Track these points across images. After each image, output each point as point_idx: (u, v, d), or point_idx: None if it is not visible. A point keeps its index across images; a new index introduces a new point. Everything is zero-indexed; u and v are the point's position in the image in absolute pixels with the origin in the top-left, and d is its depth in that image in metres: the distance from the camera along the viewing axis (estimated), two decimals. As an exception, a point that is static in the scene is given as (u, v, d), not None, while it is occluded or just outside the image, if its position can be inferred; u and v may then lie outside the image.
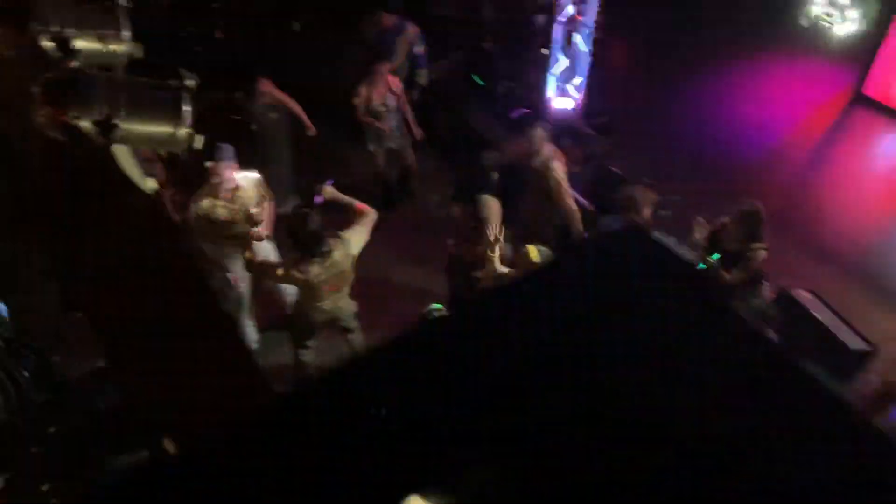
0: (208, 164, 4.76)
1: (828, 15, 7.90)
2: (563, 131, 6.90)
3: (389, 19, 6.74)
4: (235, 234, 4.88)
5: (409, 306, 4.31)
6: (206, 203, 4.85)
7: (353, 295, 4.98)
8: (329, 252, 4.34)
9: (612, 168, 6.47)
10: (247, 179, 4.97)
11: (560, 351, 0.69)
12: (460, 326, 0.73)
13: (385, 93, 6.32)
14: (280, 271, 4.49)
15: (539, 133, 5.57)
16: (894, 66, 7.27)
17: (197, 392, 1.20)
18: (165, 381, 1.22)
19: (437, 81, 7.51)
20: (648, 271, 0.78)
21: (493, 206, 4.98)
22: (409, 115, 6.61)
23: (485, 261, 5.35)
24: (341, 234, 4.45)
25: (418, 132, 6.65)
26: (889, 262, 5.98)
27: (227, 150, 4.84)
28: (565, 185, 5.60)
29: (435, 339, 0.73)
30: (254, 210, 4.82)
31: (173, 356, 1.25)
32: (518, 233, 5.63)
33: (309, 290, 4.61)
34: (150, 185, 1.87)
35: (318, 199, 4.61)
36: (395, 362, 0.72)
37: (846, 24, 7.35)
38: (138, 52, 2.00)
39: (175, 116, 1.75)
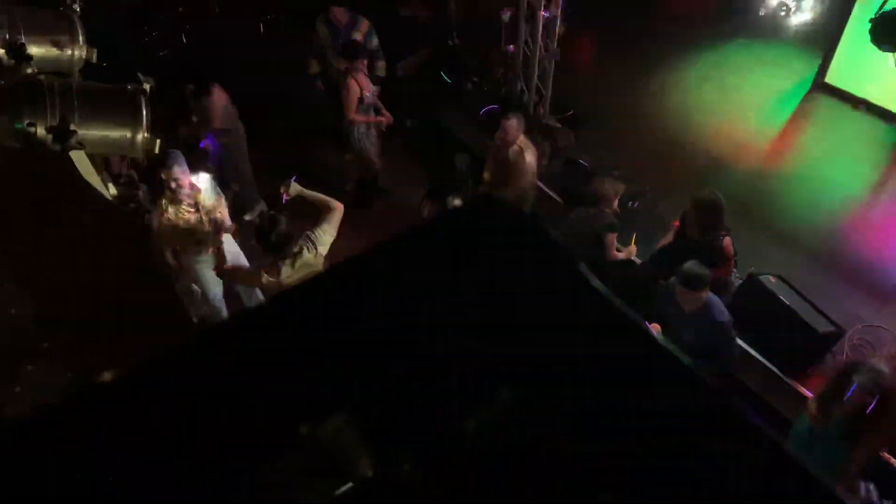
0: (163, 171, 4.73)
1: (784, 5, 8.04)
2: (530, 126, 6.96)
3: (343, 15, 6.71)
4: (202, 239, 4.86)
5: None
6: (170, 210, 4.81)
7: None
8: (299, 252, 4.33)
9: (580, 161, 6.54)
10: (201, 181, 4.95)
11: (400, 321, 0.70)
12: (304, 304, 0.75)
13: (368, 84, 6.33)
14: (250, 276, 4.46)
15: (514, 123, 5.62)
16: (855, 53, 7.41)
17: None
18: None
19: (405, 80, 7.53)
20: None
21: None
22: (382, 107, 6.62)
23: None
24: (309, 233, 4.44)
25: (388, 116, 6.62)
26: (852, 245, 6.10)
27: (177, 154, 4.81)
28: (528, 174, 5.66)
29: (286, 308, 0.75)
30: (217, 213, 4.82)
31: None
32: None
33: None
34: (111, 190, 1.86)
35: (284, 198, 4.58)
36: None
37: (803, 14, 7.49)
38: (94, 56, 1.98)
39: (133, 121, 1.74)
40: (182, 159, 4.83)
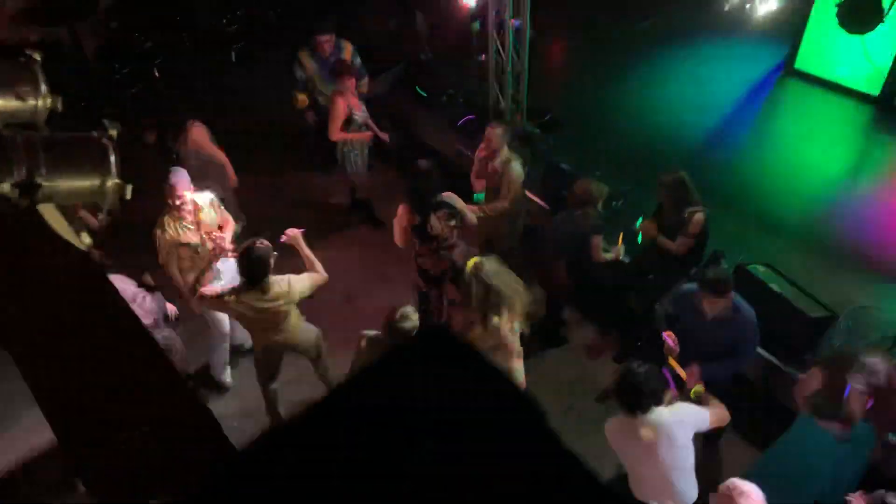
0: (166, 187, 4.76)
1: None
2: (508, 132, 6.96)
3: (328, 45, 6.72)
4: (204, 257, 4.85)
5: (375, 322, 4.28)
6: (172, 228, 4.78)
7: (317, 319, 4.96)
8: (270, 285, 4.30)
9: (562, 165, 6.54)
10: (202, 199, 4.93)
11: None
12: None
13: (361, 105, 6.34)
14: (221, 299, 4.44)
15: (500, 131, 5.62)
16: (821, 38, 7.49)
17: (139, 452, 1.17)
18: (109, 442, 1.19)
19: (380, 96, 7.52)
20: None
21: (455, 197, 5.01)
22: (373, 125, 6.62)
23: (459, 268, 5.35)
24: (289, 276, 4.43)
25: (384, 136, 6.62)
26: (836, 228, 6.13)
27: (181, 171, 4.86)
28: (518, 183, 5.66)
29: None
30: (217, 234, 4.82)
31: (116, 419, 1.21)
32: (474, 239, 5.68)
33: (247, 322, 4.59)
34: (85, 240, 1.82)
35: (283, 239, 4.57)
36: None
37: (768, 3, 7.56)
38: (59, 104, 1.95)
39: (101, 168, 1.71)
40: (185, 175, 4.83)
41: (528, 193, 6.47)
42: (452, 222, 4.98)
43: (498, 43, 7.00)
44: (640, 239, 5.19)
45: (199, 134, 5.98)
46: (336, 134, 6.30)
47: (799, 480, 4.01)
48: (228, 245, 4.88)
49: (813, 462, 3.88)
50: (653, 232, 5.10)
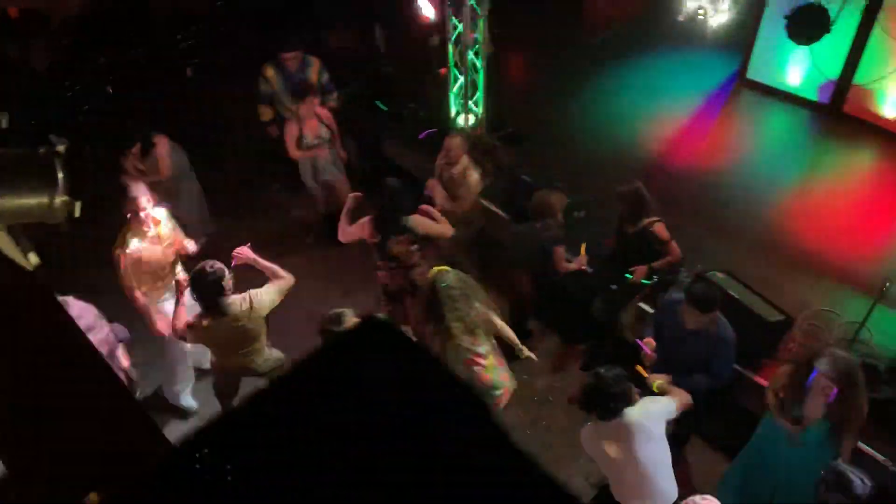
0: (127, 201, 4.66)
1: (702, 8, 8.32)
2: (471, 146, 6.99)
3: (293, 61, 6.66)
4: (166, 274, 4.75)
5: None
6: (133, 243, 4.67)
7: (281, 340, 4.88)
8: (227, 307, 4.23)
9: (523, 177, 6.58)
10: (160, 213, 4.87)
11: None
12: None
13: (318, 126, 6.27)
14: (193, 329, 4.33)
15: (458, 141, 5.65)
16: (772, 49, 7.71)
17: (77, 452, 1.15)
18: (56, 462, 1.15)
19: (342, 111, 7.48)
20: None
21: (424, 222, 4.99)
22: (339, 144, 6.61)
23: (418, 285, 5.34)
24: (251, 291, 4.34)
25: (342, 154, 6.65)
26: (790, 233, 6.28)
27: (140, 184, 4.78)
28: (474, 190, 5.68)
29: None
30: (179, 246, 4.74)
31: (63, 440, 1.17)
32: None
33: (209, 345, 4.51)
34: (32, 260, 1.75)
35: (234, 262, 4.48)
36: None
37: (719, 16, 7.76)
38: (4, 122, 1.88)
39: (49, 185, 1.65)
40: (145, 189, 4.73)
41: (490, 206, 6.51)
42: (413, 247, 4.98)
43: (457, 56, 7.04)
44: (644, 281, 5.17)
45: (164, 148, 5.90)
46: (293, 153, 6.32)
47: (757, 482, 4.07)
48: (193, 248, 4.92)
49: (768, 462, 3.95)
50: (647, 271, 5.07)
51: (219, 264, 4.20)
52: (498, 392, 4.44)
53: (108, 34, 8.57)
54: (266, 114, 6.92)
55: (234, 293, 4.28)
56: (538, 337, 5.94)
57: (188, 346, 5.11)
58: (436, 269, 4.53)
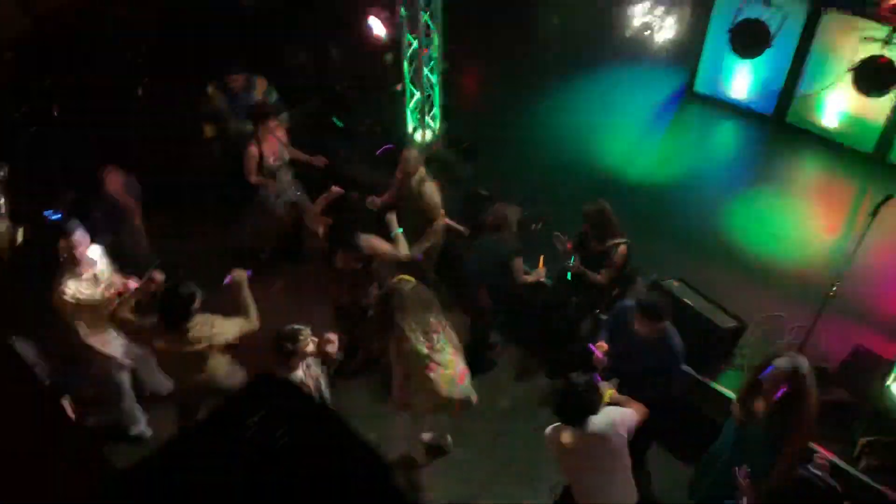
0: (62, 241, 4.50)
1: (649, 24, 8.54)
2: (428, 161, 7.02)
3: (237, 81, 6.57)
4: (106, 312, 4.61)
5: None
6: (71, 286, 4.54)
7: (242, 360, 4.79)
8: (188, 329, 4.17)
9: (480, 191, 6.63)
10: (96, 252, 4.73)
11: None
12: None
13: (277, 148, 6.18)
14: (139, 330, 4.27)
15: (414, 153, 5.67)
16: (717, 62, 7.94)
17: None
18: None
19: (297, 129, 7.43)
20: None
21: (374, 242, 4.98)
22: (303, 156, 6.50)
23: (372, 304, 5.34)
24: (216, 319, 4.28)
25: (319, 160, 6.52)
26: (742, 241, 6.45)
27: (75, 223, 4.60)
28: (438, 203, 5.70)
29: None
30: (116, 282, 4.61)
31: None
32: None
33: (166, 361, 4.43)
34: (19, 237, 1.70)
35: (227, 280, 4.42)
36: None
37: (666, 31, 7.96)
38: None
39: (-9, 211, 1.61)
40: (82, 228, 4.58)
41: (446, 219, 6.53)
42: (359, 265, 4.98)
43: (413, 73, 7.08)
44: (569, 276, 5.26)
45: (114, 181, 5.74)
46: (252, 178, 6.18)
47: (713, 482, 4.16)
48: (133, 285, 4.70)
49: (721, 464, 4.03)
50: (581, 268, 5.19)
51: (192, 286, 4.14)
52: (448, 403, 4.46)
53: (54, 55, 8.37)
54: (208, 131, 6.79)
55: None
56: (500, 349, 5.96)
57: (126, 380, 4.98)
58: (398, 277, 4.56)
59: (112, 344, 4.82)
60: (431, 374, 4.36)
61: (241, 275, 4.42)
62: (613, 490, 3.78)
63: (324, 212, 5.30)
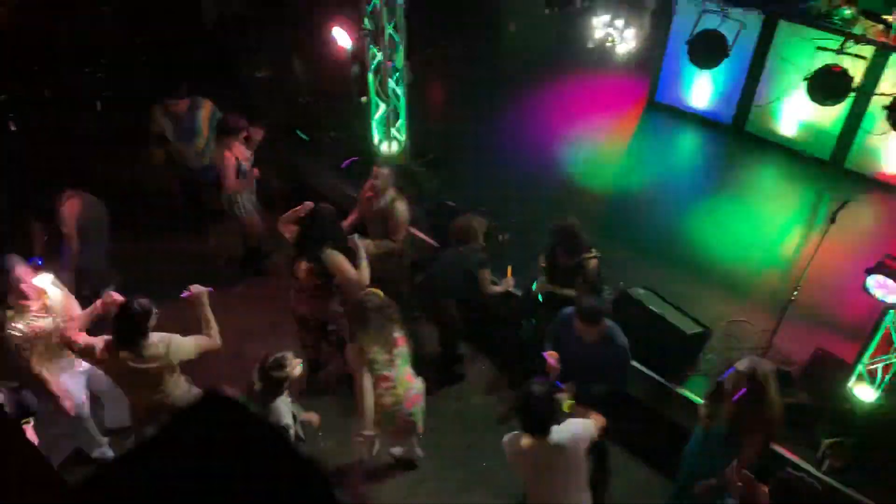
0: (3, 278, 4.31)
1: (610, 36, 8.68)
2: (395, 173, 7.01)
3: (181, 105, 6.45)
4: (58, 344, 4.46)
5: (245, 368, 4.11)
6: (20, 324, 4.38)
7: (206, 378, 4.71)
8: (143, 347, 4.08)
9: (448, 202, 6.63)
10: (44, 282, 4.55)
11: None
12: None
13: (245, 152, 6.14)
14: (92, 351, 4.15)
15: (387, 171, 5.64)
16: (677, 73, 8.09)
17: None
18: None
19: (262, 143, 7.38)
20: (228, 440, 0.89)
21: (339, 260, 4.94)
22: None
23: (336, 317, 5.31)
24: (172, 337, 4.19)
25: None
26: (706, 249, 6.55)
27: (14, 257, 4.41)
28: (405, 222, 5.69)
29: None
30: (70, 308, 4.47)
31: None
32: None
33: (120, 380, 4.32)
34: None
35: (185, 294, 4.34)
36: None
37: (626, 43, 8.10)
38: None
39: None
40: (20, 261, 4.41)
41: (415, 232, 6.52)
42: (318, 280, 4.97)
43: (378, 85, 7.07)
44: (540, 298, 5.28)
45: (72, 207, 5.61)
46: (232, 185, 6.12)
47: (683, 488, 4.20)
48: (77, 314, 4.55)
49: (691, 469, 4.08)
50: (548, 287, 5.22)
51: (146, 302, 4.04)
52: (388, 419, 4.48)
53: (11, 69, 8.20)
54: (158, 156, 6.66)
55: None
56: (468, 361, 5.95)
57: (79, 396, 4.85)
58: (367, 290, 4.61)
59: (68, 372, 4.68)
60: (383, 386, 4.40)
61: (200, 290, 4.33)
62: (567, 496, 3.83)
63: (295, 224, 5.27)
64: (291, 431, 4.20)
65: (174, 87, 6.40)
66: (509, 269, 5.44)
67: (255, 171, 6.30)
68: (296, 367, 4.09)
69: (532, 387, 3.67)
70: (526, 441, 3.71)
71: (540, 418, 3.64)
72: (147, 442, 0.85)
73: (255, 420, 0.87)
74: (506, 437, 3.85)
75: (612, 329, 4.35)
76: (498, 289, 5.37)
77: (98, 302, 4.40)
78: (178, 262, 6.64)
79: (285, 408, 4.13)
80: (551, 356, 4.40)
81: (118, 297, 4.27)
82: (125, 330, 4.04)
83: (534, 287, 5.26)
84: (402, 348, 4.48)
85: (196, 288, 4.34)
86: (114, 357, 4.10)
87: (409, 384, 4.52)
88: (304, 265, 5.01)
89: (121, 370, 4.17)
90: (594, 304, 4.28)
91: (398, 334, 4.46)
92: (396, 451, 5.14)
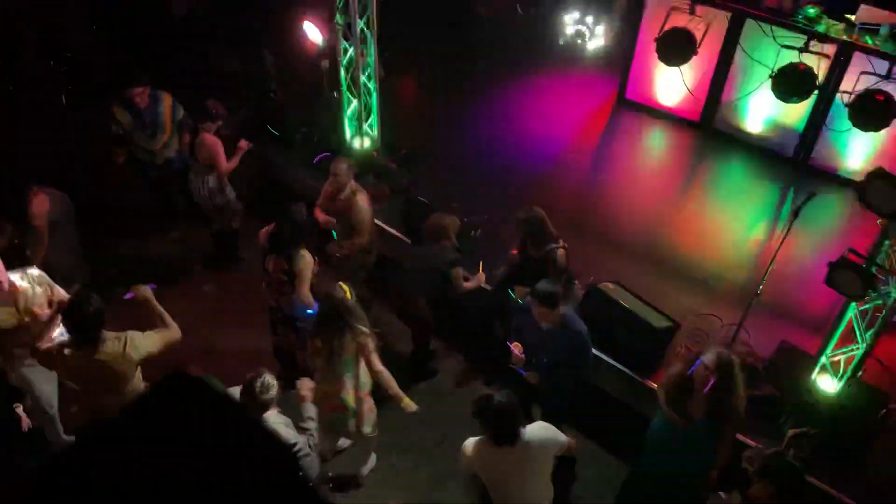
0: None
1: (580, 33, 8.73)
2: (367, 169, 6.99)
3: (142, 96, 6.20)
4: (28, 340, 4.38)
5: (239, 372, 4.04)
6: None
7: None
8: (100, 344, 3.99)
9: (420, 198, 6.64)
10: (26, 277, 4.47)
11: None
12: None
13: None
14: (51, 355, 4.08)
15: (345, 166, 5.62)
16: (646, 71, 8.18)
17: None
18: None
19: (232, 138, 7.31)
20: (195, 418, 0.90)
21: (308, 260, 4.94)
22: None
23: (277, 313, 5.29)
24: (131, 332, 4.12)
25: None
26: (675, 244, 6.64)
27: None
28: (367, 217, 5.67)
29: None
30: (41, 310, 4.36)
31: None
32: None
33: (70, 379, 4.26)
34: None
35: (128, 295, 4.27)
36: None
37: (596, 40, 8.15)
38: None
39: None
40: None
41: (386, 227, 6.52)
42: (284, 277, 4.96)
43: (349, 80, 7.04)
44: (521, 302, 5.31)
45: (41, 203, 5.50)
46: (227, 166, 6.10)
47: (650, 479, 4.26)
48: (46, 313, 4.44)
49: (659, 459, 4.14)
50: (527, 290, 5.25)
51: (97, 300, 3.96)
52: (346, 413, 4.49)
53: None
54: (119, 156, 6.45)
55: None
56: (441, 357, 5.97)
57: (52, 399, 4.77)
58: (339, 283, 4.58)
59: (39, 375, 4.62)
60: (316, 378, 4.43)
61: (143, 290, 4.27)
62: (534, 496, 3.84)
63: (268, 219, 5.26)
64: (302, 442, 4.03)
65: (135, 78, 6.24)
66: (480, 264, 5.47)
67: (244, 142, 6.24)
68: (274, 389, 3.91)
69: (494, 398, 3.61)
70: (492, 446, 3.67)
71: (509, 429, 3.61)
72: (110, 422, 0.85)
73: (219, 397, 0.87)
74: (468, 445, 3.79)
75: (568, 316, 4.44)
76: (469, 285, 5.39)
77: (55, 304, 4.34)
78: (146, 260, 6.56)
79: (285, 428, 3.96)
80: (515, 346, 4.47)
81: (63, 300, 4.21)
82: (79, 329, 3.96)
83: (513, 295, 5.31)
84: (348, 357, 4.40)
85: (138, 288, 4.27)
86: (70, 358, 4.00)
87: (337, 390, 4.45)
88: (273, 259, 5.01)
89: (79, 371, 4.08)
90: (549, 288, 4.33)
91: (351, 341, 4.38)
92: (343, 443, 5.16)
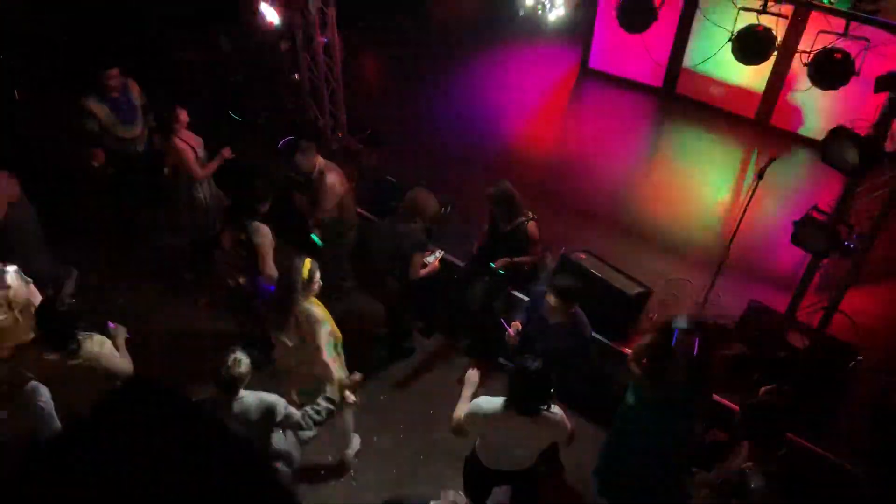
0: None
1: (541, 3, 8.67)
2: (331, 150, 6.91)
3: (115, 80, 5.96)
4: (22, 340, 4.28)
5: (205, 359, 3.97)
6: None
7: (146, 365, 4.60)
8: (77, 349, 3.88)
9: (388, 178, 6.59)
10: (9, 276, 4.37)
11: None
12: None
13: (194, 138, 5.86)
14: (24, 354, 3.99)
15: (307, 146, 5.53)
16: (609, 39, 8.18)
17: None
18: None
19: (192, 127, 7.16)
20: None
21: (265, 232, 4.84)
22: None
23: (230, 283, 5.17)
24: (104, 338, 4.02)
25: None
26: (642, 211, 6.69)
27: None
28: (331, 192, 5.60)
29: None
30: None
31: None
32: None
33: (50, 384, 4.16)
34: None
35: (110, 325, 4.19)
36: None
37: (556, 10, 8.10)
38: None
39: None
40: None
41: (358, 209, 6.46)
42: (243, 252, 4.86)
43: (310, 60, 6.92)
44: (501, 272, 5.30)
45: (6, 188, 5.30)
46: (200, 174, 5.77)
47: (626, 448, 4.32)
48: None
49: (634, 428, 4.19)
50: (507, 262, 5.25)
51: (67, 302, 3.87)
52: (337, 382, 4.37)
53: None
54: (97, 157, 6.12)
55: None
56: (417, 333, 5.97)
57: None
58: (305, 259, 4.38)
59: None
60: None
61: (119, 328, 4.21)
62: (523, 457, 3.84)
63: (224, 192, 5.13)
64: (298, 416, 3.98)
65: (102, 65, 5.98)
66: (438, 257, 5.42)
67: (227, 150, 5.96)
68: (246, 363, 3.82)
69: (527, 363, 3.49)
70: (510, 416, 3.57)
71: (537, 401, 3.52)
72: (74, 425, 0.87)
73: (179, 400, 0.88)
74: (483, 405, 3.66)
75: (579, 315, 4.34)
76: (423, 272, 5.30)
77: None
78: (123, 263, 6.43)
79: (268, 394, 3.89)
80: (514, 326, 4.43)
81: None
82: (53, 331, 3.85)
83: (492, 266, 5.28)
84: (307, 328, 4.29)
85: (114, 326, 4.21)
86: (44, 361, 3.89)
87: (307, 361, 4.36)
88: (229, 234, 4.88)
89: (55, 373, 3.96)
90: (570, 283, 4.26)
91: (308, 325, 4.25)
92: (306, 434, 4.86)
